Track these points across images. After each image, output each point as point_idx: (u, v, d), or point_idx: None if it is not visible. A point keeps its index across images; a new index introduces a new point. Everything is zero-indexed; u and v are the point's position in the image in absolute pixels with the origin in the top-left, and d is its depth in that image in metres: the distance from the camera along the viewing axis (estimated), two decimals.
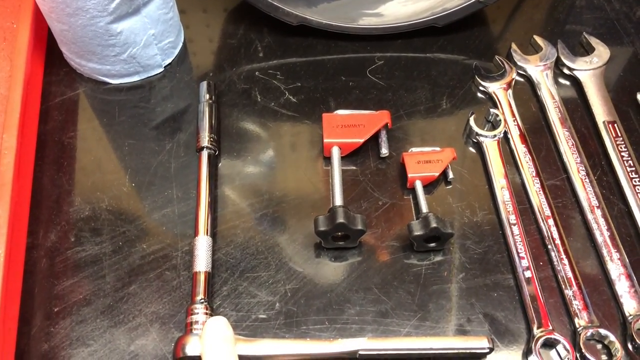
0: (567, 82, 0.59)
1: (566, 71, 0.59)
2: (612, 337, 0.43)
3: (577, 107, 0.57)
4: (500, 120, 0.54)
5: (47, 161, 0.52)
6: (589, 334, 0.43)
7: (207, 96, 0.54)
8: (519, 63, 0.59)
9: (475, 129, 0.54)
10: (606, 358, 0.43)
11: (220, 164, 0.52)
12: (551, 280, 0.47)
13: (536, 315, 0.44)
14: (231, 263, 0.47)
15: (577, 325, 0.44)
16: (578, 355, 0.42)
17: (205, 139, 0.51)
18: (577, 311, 0.44)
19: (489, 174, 0.52)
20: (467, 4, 0.58)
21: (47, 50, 0.59)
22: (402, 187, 0.51)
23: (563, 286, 0.46)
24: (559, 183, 0.52)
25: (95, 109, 0.56)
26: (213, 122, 0.53)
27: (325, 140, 0.51)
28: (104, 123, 0.55)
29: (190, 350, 0.39)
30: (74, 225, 0.48)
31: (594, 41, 0.61)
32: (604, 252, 0.47)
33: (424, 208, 0.48)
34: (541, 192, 0.51)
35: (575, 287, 0.45)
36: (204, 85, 0.55)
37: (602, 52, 0.60)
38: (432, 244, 0.47)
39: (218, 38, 0.62)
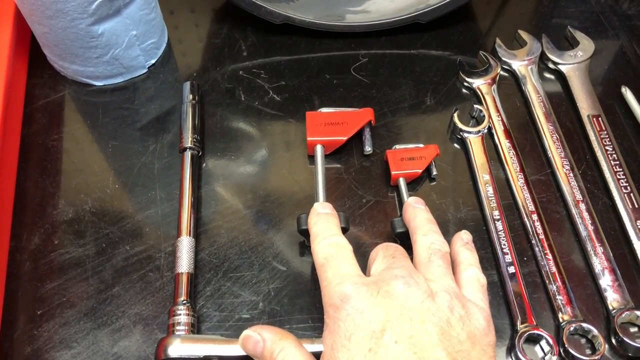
0: (552, 77, 0.59)
1: (551, 65, 0.59)
2: (595, 332, 0.42)
3: (561, 101, 0.57)
4: (484, 115, 0.54)
5: (31, 164, 0.52)
6: (572, 328, 0.43)
7: (191, 97, 0.54)
8: (503, 58, 0.59)
9: (459, 125, 0.53)
10: (590, 352, 0.43)
11: (204, 164, 0.52)
12: (535, 276, 0.47)
13: (520, 311, 0.44)
14: (214, 263, 0.47)
15: (561, 320, 0.44)
16: (561, 350, 0.42)
17: (188, 140, 0.51)
18: (561, 306, 0.44)
19: (473, 170, 0.52)
20: (450, 0, 0.58)
21: (31, 52, 0.59)
22: (386, 184, 0.51)
23: (547, 281, 0.46)
24: (543, 178, 0.52)
25: (80, 111, 0.56)
26: (196, 122, 0.52)
27: (309, 139, 0.51)
28: (88, 125, 0.55)
29: (172, 352, 0.39)
30: (57, 227, 0.48)
31: (579, 35, 0.61)
32: (588, 246, 0.47)
33: None
34: (525, 187, 0.50)
35: (559, 282, 0.45)
36: (187, 85, 0.54)
37: (586, 46, 0.60)
38: None
39: (203, 38, 0.62)
